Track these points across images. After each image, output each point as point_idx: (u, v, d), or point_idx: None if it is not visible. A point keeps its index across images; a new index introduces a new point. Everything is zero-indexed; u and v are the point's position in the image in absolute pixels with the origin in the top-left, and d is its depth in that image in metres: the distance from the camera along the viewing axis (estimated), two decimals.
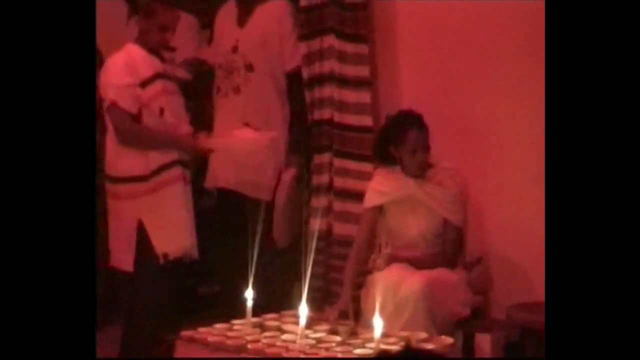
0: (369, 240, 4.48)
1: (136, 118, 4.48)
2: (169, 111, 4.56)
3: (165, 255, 4.48)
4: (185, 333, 4.12)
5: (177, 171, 4.60)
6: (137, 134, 4.54)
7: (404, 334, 4.03)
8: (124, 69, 4.50)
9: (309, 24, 4.88)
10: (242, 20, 4.94)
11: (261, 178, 4.88)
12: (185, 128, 4.60)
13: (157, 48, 4.63)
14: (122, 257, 4.58)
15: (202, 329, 4.17)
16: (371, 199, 4.40)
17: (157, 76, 4.54)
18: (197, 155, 4.80)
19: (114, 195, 4.60)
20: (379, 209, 4.40)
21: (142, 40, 4.58)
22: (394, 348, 3.86)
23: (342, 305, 4.27)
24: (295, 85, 4.99)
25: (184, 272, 4.85)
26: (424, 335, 4.04)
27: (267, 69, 4.93)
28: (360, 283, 4.43)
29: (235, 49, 4.93)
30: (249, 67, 4.92)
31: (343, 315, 4.26)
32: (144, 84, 4.48)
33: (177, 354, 4.18)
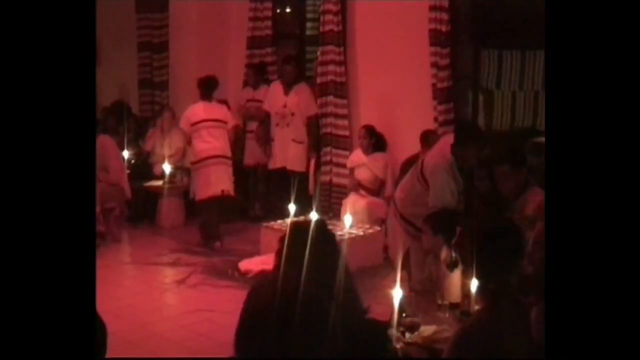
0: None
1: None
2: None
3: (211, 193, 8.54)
4: (265, 224, 8.03)
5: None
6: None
7: (359, 225, 7.78)
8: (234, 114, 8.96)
9: (320, 93, 9.19)
10: (286, 91, 9.00)
11: (303, 162, 9.17)
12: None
13: None
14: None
15: (272, 222, 7.99)
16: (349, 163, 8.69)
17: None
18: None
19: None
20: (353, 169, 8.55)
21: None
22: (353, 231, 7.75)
23: None
24: (311, 122, 9.10)
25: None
26: (367, 225, 7.89)
27: (299, 115, 8.98)
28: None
29: (285, 105, 8.99)
30: (292, 114, 9.00)
31: None
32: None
33: (261, 234, 7.90)
